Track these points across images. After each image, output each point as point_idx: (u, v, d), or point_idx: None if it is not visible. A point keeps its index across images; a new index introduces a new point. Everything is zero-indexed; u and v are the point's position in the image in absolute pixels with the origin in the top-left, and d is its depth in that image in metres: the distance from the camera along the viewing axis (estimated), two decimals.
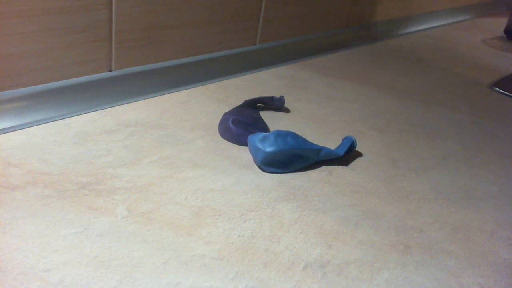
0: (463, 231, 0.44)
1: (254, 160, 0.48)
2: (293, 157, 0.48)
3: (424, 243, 0.41)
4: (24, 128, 0.48)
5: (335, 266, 0.37)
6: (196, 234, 0.38)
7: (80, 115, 0.53)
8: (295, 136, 0.48)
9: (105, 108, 0.55)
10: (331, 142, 0.55)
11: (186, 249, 0.36)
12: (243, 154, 0.50)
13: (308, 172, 0.49)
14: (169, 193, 0.42)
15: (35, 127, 0.49)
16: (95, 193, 0.40)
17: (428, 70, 0.89)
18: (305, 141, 0.49)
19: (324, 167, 0.50)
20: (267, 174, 0.47)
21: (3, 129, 0.48)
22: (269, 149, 0.46)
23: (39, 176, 0.41)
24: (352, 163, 0.51)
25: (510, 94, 0.81)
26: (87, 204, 0.39)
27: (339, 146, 0.51)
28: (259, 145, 0.47)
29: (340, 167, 0.50)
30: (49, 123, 0.50)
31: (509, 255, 0.41)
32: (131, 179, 0.43)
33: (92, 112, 0.54)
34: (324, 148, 0.49)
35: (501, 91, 0.82)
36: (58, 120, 0.51)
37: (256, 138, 0.47)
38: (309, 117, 0.61)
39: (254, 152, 0.47)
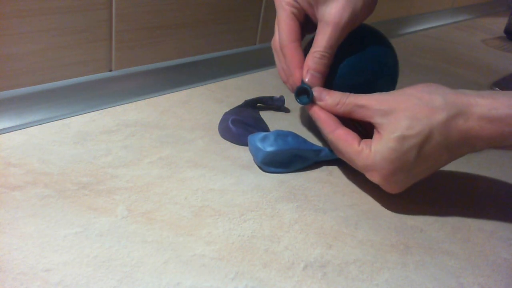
0: (463, 231, 0.44)
1: (254, 160, 0.48)
2: (293, 157, 0.48)
3: (424, 243, 0.41)
4: (24, 128, 0.48)
5: (335, 266, 0.37)
6: (196, 234, 0.38)
7: (80, 115, 0.53)
8: (295, 136, 0.48)
9: (105, 108, 0.55)
10: None
11: (186, 249, 0.36)
12: (243, 154, 0.50)
13: (308, 172, 0.49)
14: (169, 193, 0.42)
15: (35, 127, 0.49)
16: (95, 193, 0.40)
17: (428, 70, 0.89)
18: (305, 141, 0.48)
19: (324, 167, 0.50)
20: (267, 174, 0.47)
21: (3, 129, 0.48)
22: (269, 148, 0.46)
23: (39, 176, 0.41)
24: None
25: None
26: (87, 204, 0.39)
27: None
28: (259, 145, 0.47)
29: (340, 167, 0.50)
30: (49, 123, 0.50)
31: (509, 255, 0.41)
32: (131, 179, 0.43)
33: (92, 112, 0.54)
34: (324, 148, 0.49)
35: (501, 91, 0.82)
36: (58, 120, 0.51)
37: (256, 138, 0.47)
38: (309, 117, 0.61)
39: (254, 151, 0.47)
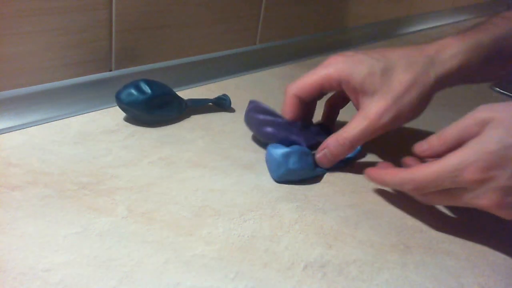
0: (463, 231, 0.43)
1: (270, 174, 0.47)
2: (309, 173, 0.47)
3: (424, 243, 0.41)
4: (24, 128, 0.48)
5: (335, 266, 0.37)
6: (196, 234, 0.38)
7: (80, 115, 0.53)
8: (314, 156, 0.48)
9: (105, 108, 0.55)
10: None
11: (186, 249, 0.36)
12: (243, 154, 0.50)
13: None
14: (169, 193, 0.42)
15: (35, 127, 0.49)
16: (95, 193, 0.40)
17: None
18: None
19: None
20: (267, 174, 0.47)
21: (3, 129, 0.48)
22: (292, 166, 0.45)
23: (39, 176, 0.41)
24: (353, 163, 0.51)
25: (510, 94, 0.81)
26: (87, 204, 0.39)
27: None
28: (282, 160, 0.45)
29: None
30: (49, 123, 0.50)
31: (509, 255, 0.41)
32: (131, 179, 0.43)
33: (92, 112, 0.54)
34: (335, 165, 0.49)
35: (501, 91, 0.82)
36: (58, 120, 0.51)
37: (279, 152, 0.46)
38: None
39: (275, 166, 0.46)
